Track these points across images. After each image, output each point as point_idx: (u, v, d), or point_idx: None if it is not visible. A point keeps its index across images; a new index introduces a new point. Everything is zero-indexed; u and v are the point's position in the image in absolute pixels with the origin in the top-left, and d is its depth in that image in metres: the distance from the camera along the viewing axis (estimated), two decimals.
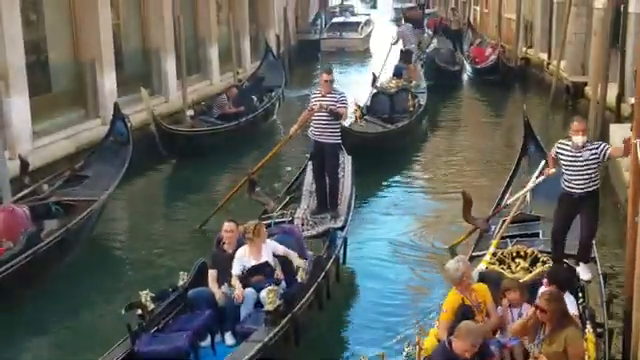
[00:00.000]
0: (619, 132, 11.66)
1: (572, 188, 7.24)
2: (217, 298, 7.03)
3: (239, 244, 7.41)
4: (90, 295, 8.71)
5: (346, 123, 13.59)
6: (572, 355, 5.42)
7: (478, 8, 35.39)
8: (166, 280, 7.74)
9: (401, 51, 20.86)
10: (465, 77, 25.26)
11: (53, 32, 13.29)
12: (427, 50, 23.89)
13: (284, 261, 7.47)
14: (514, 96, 22.62)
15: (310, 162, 9.80)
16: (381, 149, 14.03)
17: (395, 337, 7.56)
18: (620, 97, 14.37)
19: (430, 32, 29.81)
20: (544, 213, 8.44)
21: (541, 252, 7.28)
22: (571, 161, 7.20)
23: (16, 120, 11.45)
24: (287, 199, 9.83)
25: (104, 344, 6.50)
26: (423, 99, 17.06)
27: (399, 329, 7.74)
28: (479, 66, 24.00)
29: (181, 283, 7.17)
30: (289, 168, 13.41)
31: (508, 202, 8.96)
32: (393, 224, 11.18)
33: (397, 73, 18.46)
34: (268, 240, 7.50)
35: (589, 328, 5.92)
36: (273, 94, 18.60)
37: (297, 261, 7.49)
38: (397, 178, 13.84)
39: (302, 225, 8.88)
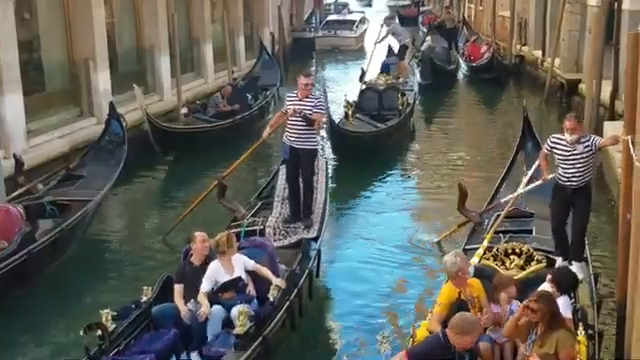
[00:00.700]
0: (613, 129, 11.68)
1: (567, 181, 7.32)
2: (182, 315, 6.69)
3: (208, 257, 7.06)
4: (79, 297, 8.66)
5: (337, 122, 13.75)
6: (563, 358, 5.40)
7: (472, 5, 35.43)
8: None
9: (391, 48, 20.91)
10: (460, 75, 25.29)
11: (47, 31, 13.27)
12: (421, 48, 23.92)
13: (256, 277, 7.11)
14: (509, 94, 22.69)
15: (282, 167, 9.40)
16: (372, 148, 14.11)
17: (372, 358, 7.29)
18: (614, 94, 14.41)
19: (424, 30, 29.85)
20: (538, 210, 8.47)
21: (535, 250, 7.29)
22: (566, 155, 7.28)
23: (10, 119, 11.42)
24: (258, 205, 9.43)
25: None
26: (411, 97, 17.14)
27: (377, 348, 7.41)
28: (474, 64, 24.04)
29: (145, 299, 6.80)
30: (260, 173, 13.05)
31: (501, 200, 8.98)
32: (374, 228, 10.90)
33: (385, 69, 18.48)
34: (238, 254, 7.16)
35: (581, 330, 5.91)
36: (268, 93, 18.62)
37: (275, 280, 7.01)
38: (386, 178, 13.80)
39: (274, 234, 8.48)
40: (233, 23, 22.06)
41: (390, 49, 20.59)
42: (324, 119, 9.18)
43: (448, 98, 22.05)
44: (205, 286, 6.83)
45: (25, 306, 8.23)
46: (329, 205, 9.42)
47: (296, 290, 7.35)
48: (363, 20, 37.85)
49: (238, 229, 8.41)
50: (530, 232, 8.19)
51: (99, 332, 6.14)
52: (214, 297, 6.78)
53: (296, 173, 8.96)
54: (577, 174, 7.26)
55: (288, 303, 7.08)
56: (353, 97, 16.34)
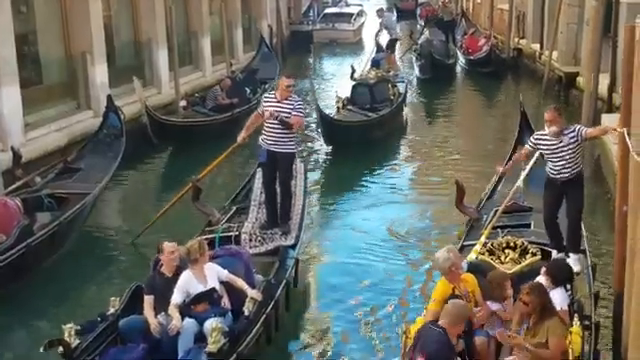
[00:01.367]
0: (611, 122, 11.69)
1: (557, 174, 7.33)
2: (152, 329, 6.29)
3: (179, 268, 6.68)
4: (77, 291, 8.67)
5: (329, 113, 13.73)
6: (552, 346, 5.46)
7: None
8: None
9: (380, 43, 20.91)
10: (458, 68, 25.27)
11: (44, 24, 13.25)
12: (419, 41, 23.90)
13: (230, 288, 6.71)
14: (507, 87, 22.69)
15: (259, 170, 8.99)
16: (364, 138, 14.14)
17: None
18: (612, 87, 14.42)
19: (422, 22, 29.79)
20: (536, 204, 8.41)
21: (531, 243, 7.29)
22: (552, 149, 7.28)
23: (7, 112, 11.41)
24: (233, 210, 9.07)
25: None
26: (402, 88, 17.22)
27: None
28: (472, 57, 24.00)
29: (112, 311, 6.43)
30: (237, 175, 12.36)
31: (498, 197, 8.95)
32: (362, 224, 10.70)
33: (375, 64, 18.50)
34: (210, 263, 6.75)
35: (576, 320, 5.93)
36: (267, 86, 18.58)
37: (250, 293, 6.64)
38: (378, 170, 13.79)
39: (249, 241, 8.15)
40: (231, 16, 22.02)
41: (379, 44, 20.64)
42: (303, 122, 8.60)
43: (446, 91, 22.01)
44: (176, 298, 6.43)
45: (22, 299, 8.23)
46: (319, 203, 9.23)
47: (273, 302, 7.00)
48: (361, 13, 37.75)
49: (212, 235, 8.10)
50: (529, 226, 8.17)
51: (60, 349, 5.78)
52: (186, 309, 6.40)
53: (273, 177, 8.57)
54: (567, 166, 7.25)
55: (264, 316, 6.76)
56: (345, 92, 16.37)
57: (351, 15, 35.88)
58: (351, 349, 7.38)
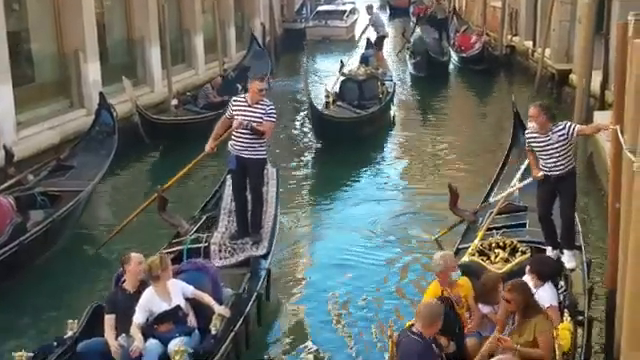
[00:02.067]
0: (603, 119, 11.73)
1: (549, 171, 7.32)
2: (112, 352, 5.89)
3: (143, 283, 6.25)
4: (70, 289, 8.62)
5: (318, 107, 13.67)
6: (543, 344, 5.44)
7: None
8: None
9: (368, 38, 20.98)
10: (451, 66, 25.31)
11: (36, 22, 13.22)
12: (411, 39, 23.92)
13: (197, 304, 6.30)
14: (499, 84, 22.73)
15: (229, 177, 8.50)
16: (353, 135, 14.21)
17: None
18: (604, 84, 14.45)
19: (414, 20, 29.81)
20: (532, 203, 8.26)
21: (523, 242, 7.28)
22: (542, 146, 7.27)
23: None
24: (203, 219, 8.64)
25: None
26: (391, 86, 17.26)
27: None
28: (465, 54, 24.04)
29: (69, 334, 6.01)
30: (207, 182, 12.02)
31: (494, 199, 8.90)
32: (345, 223, 10.49)
33: (364, 60, 18.53)
34: (174, 279, 6.32)
35: (566, 317, 5.92)
36: None
37: (217, 309, 6.24)
38: (367, 167, 13.77)
39: (219, 252, 7.77)
40: (224, 14, 21.99)
41: (368, 41, 20.69)
42: (273, 126, 8.11)
43: (440, 89, 22.06)
44: (139, 317, 6.00)
45: (14, 297, 8.22)
46: (298, 204, 8.87)
47: (242, 317, 6.60)
48: (353, 10, 37.76)
49: (180, 247, 7.75)
50: (524, 226, 8.12)
51: None
52: (149, 330, 6.01)
53: (243, 184, 8.16)
54: (557, 163, 7.23)
55: (233, 334, 6.34)
56: (334, 86, 16.43)
57: (344, 12, 35.89)
58: None
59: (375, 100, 16.09)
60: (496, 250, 7.13)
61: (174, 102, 16.16)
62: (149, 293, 6.10)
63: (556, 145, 7.19)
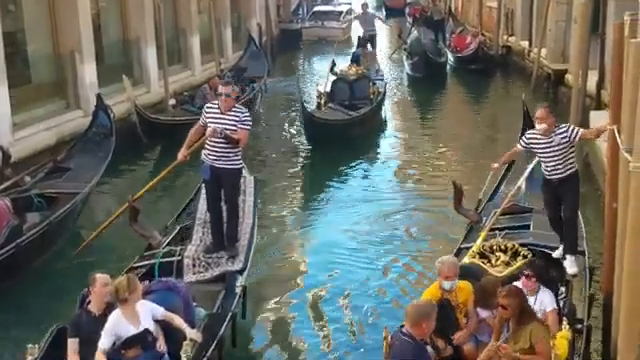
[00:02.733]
0: (599, 119, 11.75)
1: (551, 174, 7.29)
2: None
3: (109, 305, 5.87)
4: (67, 292, 8.51)
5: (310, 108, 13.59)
6: (540, 351, 5.39)
7: None
8: None
9: (361, 36, 21.06)
10: (448, 67, 25.33)
11: (32, 22, 13.20)
12: (408, 40, 23.94)
13: (167, 327, 5.92)
14: (496, 84, 22.77)
15: (203, 186, 8.09)
16: (345, 136, 14.24)
17: None
18: (600, 84, 14.48)
19: (410, 21, 29.84)
20: (538, 205, 8.15)
21: (525, 245, 7.19)
22: (544, 148, 7.22)
23: None
24: (176, 230, 8.25)
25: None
26: (382, 86, 17.27)
27: None
28: (460, 55, 24.07)
29: (29, 359, 5.58)
30: (181, 191, 11.39)
31: (499, 199, 8.79)
32: (326, 234, 10.18)
33: (355, 59, 18.57)
34: (143, 300, 5.92)
35: (565, 324, 5.86)
36: (255, 84, 18.58)
37: (189, 333, 5.86)
38: (358, 169, 13.72)
39: (193, 267, 7.40)
40: (220, 14, 21.98)
41: (359, 39, 20.76)
42: (248, 134, 7.64)
43: (438, 89, 22.04)
44: (104, 342, 5.63)
45: (11, 299, 8.20)
46: (284, 209, 8.64)
47: (216, 340, 6.21)
48: (350, 11, 37.77)
49: (152, 261, 7.37)
50: (528, 227, 7.97)
51: None
52: (115, 355, 5.63)
53: (218, 195, 7.74)
54: (558, 166, 7.19)
55: (205, 359, 5.96)
56: (326, 87, 16.41)
57: (340, 13, 35.91)
58: None
59: (366, 100, 16.11)
60: (497, 253, 7.06)
61: (172, 102, 16.18)
62: (116, 316, 5.71)
63: (557, 147, 7.14)
